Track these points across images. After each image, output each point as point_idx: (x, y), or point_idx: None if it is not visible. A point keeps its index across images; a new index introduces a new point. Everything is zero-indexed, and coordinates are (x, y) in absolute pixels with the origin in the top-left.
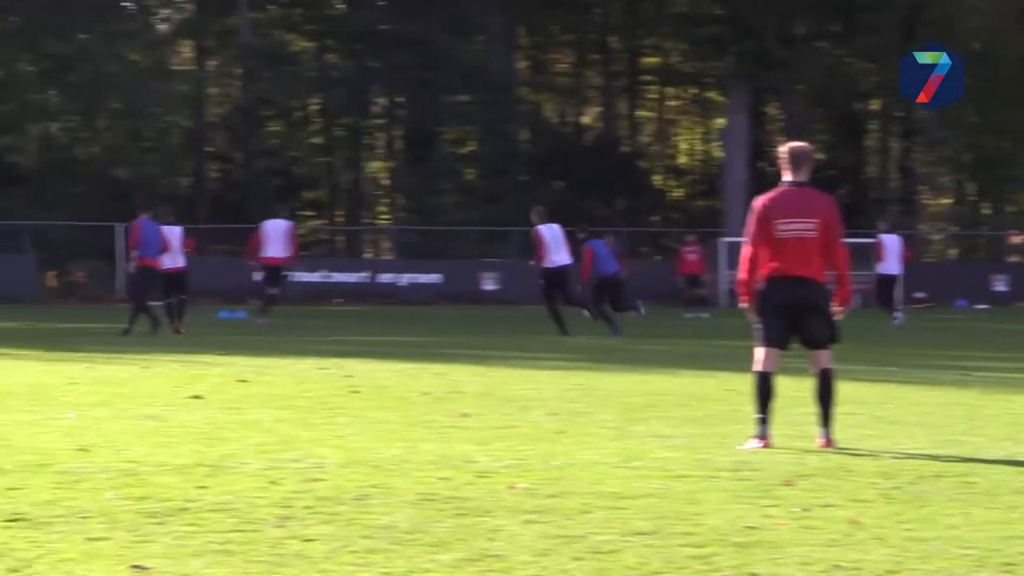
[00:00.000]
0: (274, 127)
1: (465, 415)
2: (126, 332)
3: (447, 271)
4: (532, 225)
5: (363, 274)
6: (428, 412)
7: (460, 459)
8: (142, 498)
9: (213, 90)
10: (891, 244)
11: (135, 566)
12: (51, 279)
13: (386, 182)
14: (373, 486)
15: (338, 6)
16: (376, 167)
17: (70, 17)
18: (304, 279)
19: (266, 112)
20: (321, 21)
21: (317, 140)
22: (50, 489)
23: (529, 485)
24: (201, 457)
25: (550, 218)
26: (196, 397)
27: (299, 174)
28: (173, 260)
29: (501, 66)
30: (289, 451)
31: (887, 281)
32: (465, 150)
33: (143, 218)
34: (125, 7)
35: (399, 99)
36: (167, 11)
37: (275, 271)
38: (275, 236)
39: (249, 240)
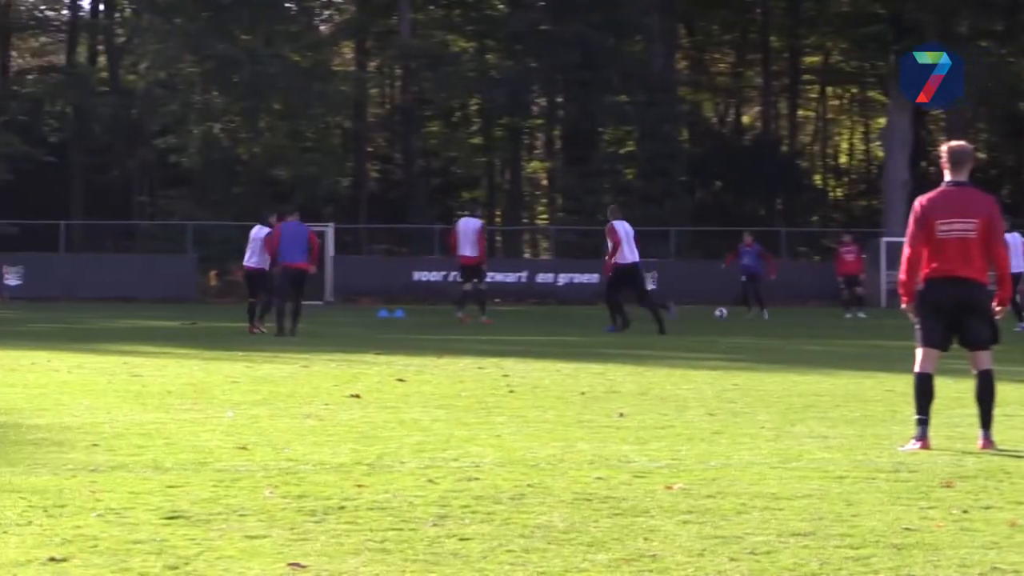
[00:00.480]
0: (434, 127)
1: (622, 415)
2: (291, 333)
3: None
4: (618, 222)
5: (521, 274)
6: (585, 412)
7: (616, 459)
8: (300, 496)
9: (374, 90)
10: (1014, 243)
11: (293, 564)
12: (212, 278)
13: (545, 182)
14: (529, 485)
15: (499, 6)
16: (535, 167)
17: (233, 19)
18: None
19: (426, 112)
20: (481, 21)
21: (476, 140)
22: (210, 487)
23: (685, 485)
24: (359, 456)
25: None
26: (354, 396)
27: (458, 174)
28: (260, 261)
29: (661, 66)
30: (446, 450)
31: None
32: (624, 150)
33: (288, 220)
34: (287, 8)
35: (559, 99)
36: (328, 12)
37: (470, 270)
38: (467, 235)
39: (447, 238)
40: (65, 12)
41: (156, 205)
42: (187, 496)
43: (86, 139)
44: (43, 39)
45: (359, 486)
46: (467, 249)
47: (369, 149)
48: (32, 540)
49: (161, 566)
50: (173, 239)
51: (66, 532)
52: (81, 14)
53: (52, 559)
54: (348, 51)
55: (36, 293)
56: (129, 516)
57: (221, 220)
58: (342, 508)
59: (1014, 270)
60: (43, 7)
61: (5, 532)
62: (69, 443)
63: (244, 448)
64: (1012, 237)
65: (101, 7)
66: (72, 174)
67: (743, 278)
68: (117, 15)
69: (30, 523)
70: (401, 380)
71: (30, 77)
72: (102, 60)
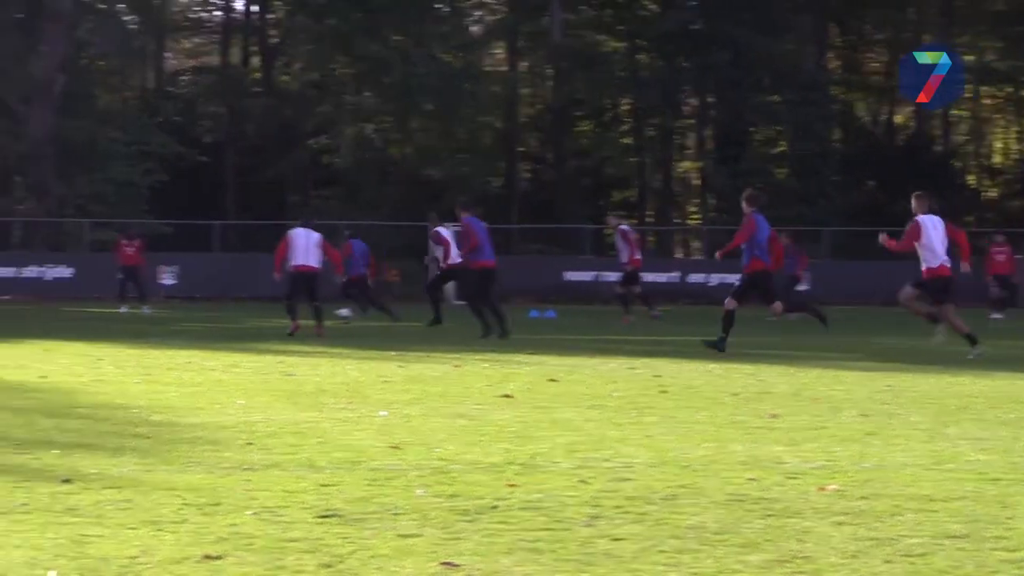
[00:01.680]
0: (585, 127)
1: (774, 416)
2: (485, 335)
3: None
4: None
5: (673, 274)
6: (737, 412)
7: (769, 460)
8: (453, 496)
9: (525, 91)
10: None
11: (445, 563)
12: (393, 275)
13: (696, 182)
14: (682, 486)
15: (650, 7)
16: (686, 167)
17: (385, 20)
18: (613, 279)
19: (577, 112)
20: (632, 22)
21: (627, 140)
22: (363, 486)
23: (839, 487)
24: (511, 456)
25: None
26: (507, 396)
27: (609, 174)
28: (307, 260)
29: (812, 65)
30: (598, 450)
31: None
32: (776, 150)
33: (467, 217)
34: (439, 9)
35: (710, 99)
36: (480, 13)
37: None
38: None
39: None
40: (219, 13)
41: (309, 205)
42: (340, 495)
43: (240, 139)
44: (197, 40)
45: (511, 486)
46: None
47: (520, 149)
48: (187, 538)
49: (315, 564)
50: (325, 239)
51: (221, 530)
52: (235, 15)
53: (207, 556)
54: (500, 51)
55: (190, 293)
56: (283, 514)
57: (373, 220)
58: (494, 508)
59: None
60: (197, 8)
61: (161, 530)
62: (224, 442)
63: (397, 447)
64: None
65: (255, 8)
66: (226, 174)
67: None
68: (271, 16)
69: (185, 521)
70: (553, 380)
71: (184, 78)
72: (255, 61)
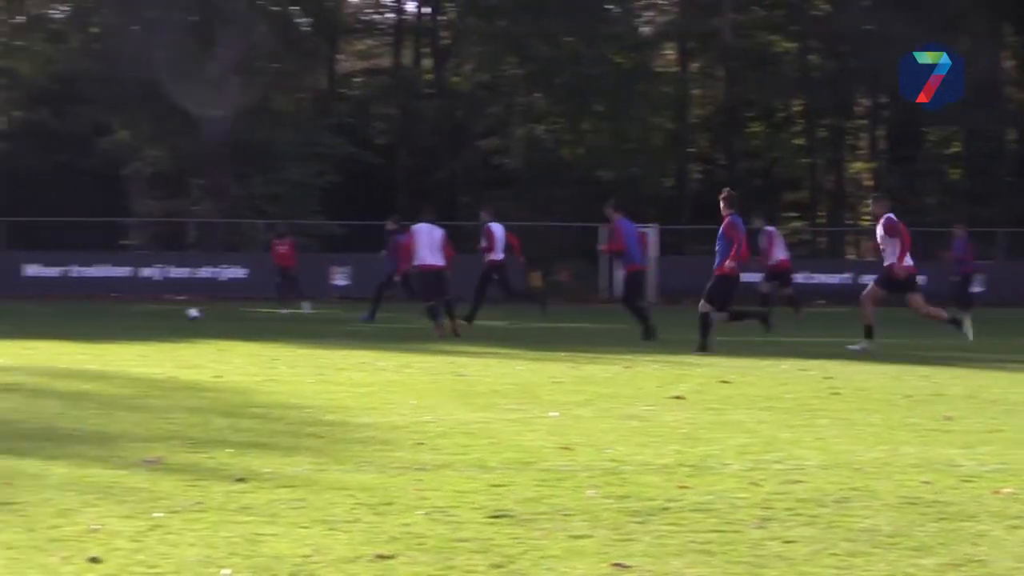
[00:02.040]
0: (756, 128)
1: (948, 418)
2: (648, 336)
3: (931, 272)
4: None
5: (845, 275)
6: (910, 414)
7: (943, 463)
8: (623, 497)
9: (696, 91)
10: None
11: (616, 564)
12: (536, 279)
13: (869, 183)
14: (854, 489)
15: (821, 7)
16: (859, 168)
17: (556, 21)
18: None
19: (748, 113)
20: (804, 22)
21: (799, 141)
22: (533, 486)
23: (1014, 490)
24: (682, 457)
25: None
26: (678, 397)
27: (781, 175)
28: (433, 258)
29: (987, 65)
30: (770, 452)
31: None
32: (950, 150)
33: (619, 219)
34: (609, 10)
35: (882, 99)
36: (651, 13)
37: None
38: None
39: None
40: (391, 15)
41: (480, 206)
42: (511, 495)
43: (412, 141)
44: (369, 42)
45: (682, 487)
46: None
47: (691, 150)
48: (360, 537)
49: (486, 565)
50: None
51: (393, 530)
52: (406, 17)
53: (379, 556)
54: (670, 52)
55: (363, 293)
56: (454, 515)
57: (544, 221)
58: (665, 509)
59: None
60: (369, 10)
61: (333, 529)
62: (395, 442)
63: (568, 448)
64: None
65: (426, 10)
66: (398, 175)
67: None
68: (442, 18)
69: (358, 520)
70: (725, 382)
71: (357, 80)
72: (427, 63)
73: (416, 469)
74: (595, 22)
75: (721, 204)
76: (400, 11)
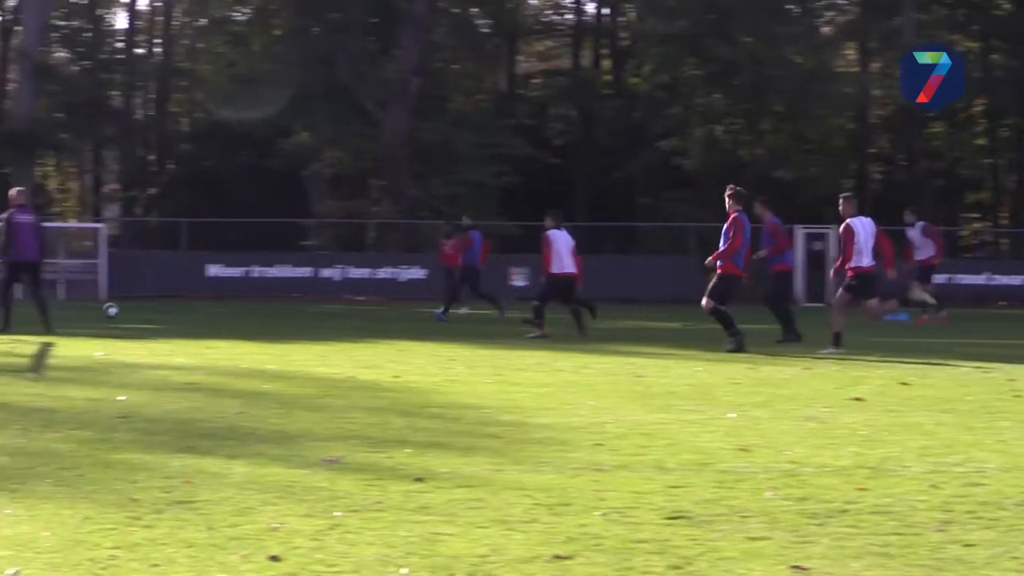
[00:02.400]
0: (937, 128)
1: None
2: (790, 338)
3: None
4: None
5: None
6: None
7: None
8: (802, 499)
9: (876, 92)
10: None
11: (795, 566)
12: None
13: None
14: None
15: (1004, 6)
16: None
17: (735, 21)
18: (967, 282)
19: (929, 113)
20: (986, 21)
21: (981, 141)
22: (711, 488)
23: None
24: (861, 459)
25: None
26: (857, 399)
27: (963, 176)
28: (571, 266)
29: None
30: (950, 455)
31: None
32: None
33: (772, 218)
34: (789, 10)
35: None
36: (831, 13)
37: (925, 271)
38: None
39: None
40: (570, 16)
41: (658, 207)
42: (689, 496)
43: (590, 142)
44: (549, 43)
45: (861, 489)
46: (928, 251)
47: (871, 150)
48: (537, 537)
49: (664, 566)
50: (675, 241)
51: (570, 530)
52: (585, 18)
53: (557, 556)
54: (850, 52)
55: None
56: (632, 516)
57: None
58: (844, 511)
59: None
60: (549, 12)
61: (511, 529)
62: (573, 442)
63: (745, 449)
64: None
65: (605, 11)
66: (576, 176)
67: None
68: (621, 19)
69: (535, 521)
70: (905, 384)
71: (535, 81)
72: (606, 63)
73: (594, 470)
74: (775, 22)
75: (727, 200)
76: (579, 12)
